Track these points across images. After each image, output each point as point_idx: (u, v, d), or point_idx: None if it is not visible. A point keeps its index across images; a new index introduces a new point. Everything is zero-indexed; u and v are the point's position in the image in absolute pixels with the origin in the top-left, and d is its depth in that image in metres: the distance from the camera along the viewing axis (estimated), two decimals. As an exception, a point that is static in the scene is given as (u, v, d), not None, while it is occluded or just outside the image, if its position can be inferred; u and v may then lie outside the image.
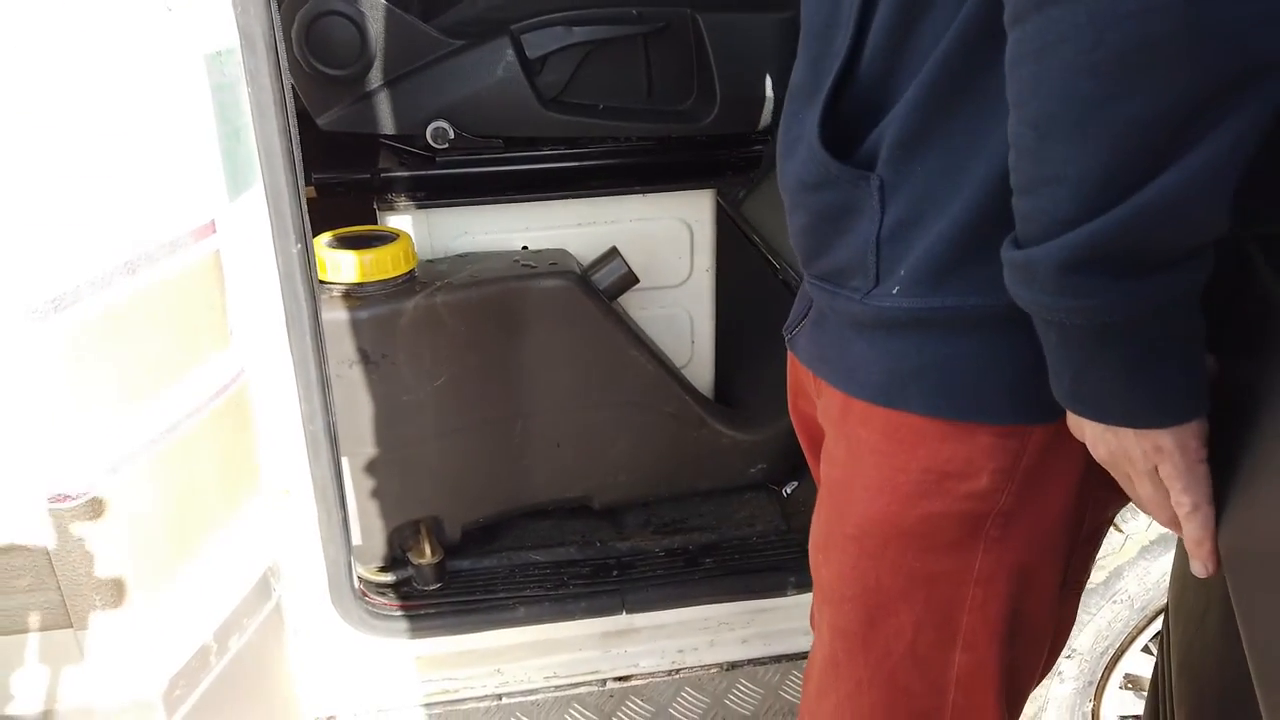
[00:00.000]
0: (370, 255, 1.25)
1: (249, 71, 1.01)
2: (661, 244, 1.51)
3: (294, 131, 1.07)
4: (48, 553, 0.86)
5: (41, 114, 0.76)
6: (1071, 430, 0.65)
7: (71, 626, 0.89)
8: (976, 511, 0.72)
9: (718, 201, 1.52)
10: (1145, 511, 0.65)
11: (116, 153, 0.84)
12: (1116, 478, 0.65)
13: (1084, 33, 0.49)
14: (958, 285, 0.66)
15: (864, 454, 0.76)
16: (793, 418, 0.98)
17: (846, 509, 0.79)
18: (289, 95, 1.06)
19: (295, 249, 1.09)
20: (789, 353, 0.89)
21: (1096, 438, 0.63)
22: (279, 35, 1.02)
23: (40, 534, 0.85)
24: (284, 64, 1.04)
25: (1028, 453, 0.70)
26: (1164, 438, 0.60)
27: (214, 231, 0.96)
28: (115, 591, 0.90)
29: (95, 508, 0.85)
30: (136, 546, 0.90)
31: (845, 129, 0.71)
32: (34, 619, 0.88)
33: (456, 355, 1.32)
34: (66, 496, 0.83)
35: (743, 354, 1.70)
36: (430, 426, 1.34)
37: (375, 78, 1.33)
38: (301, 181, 1.09)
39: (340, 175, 1.37)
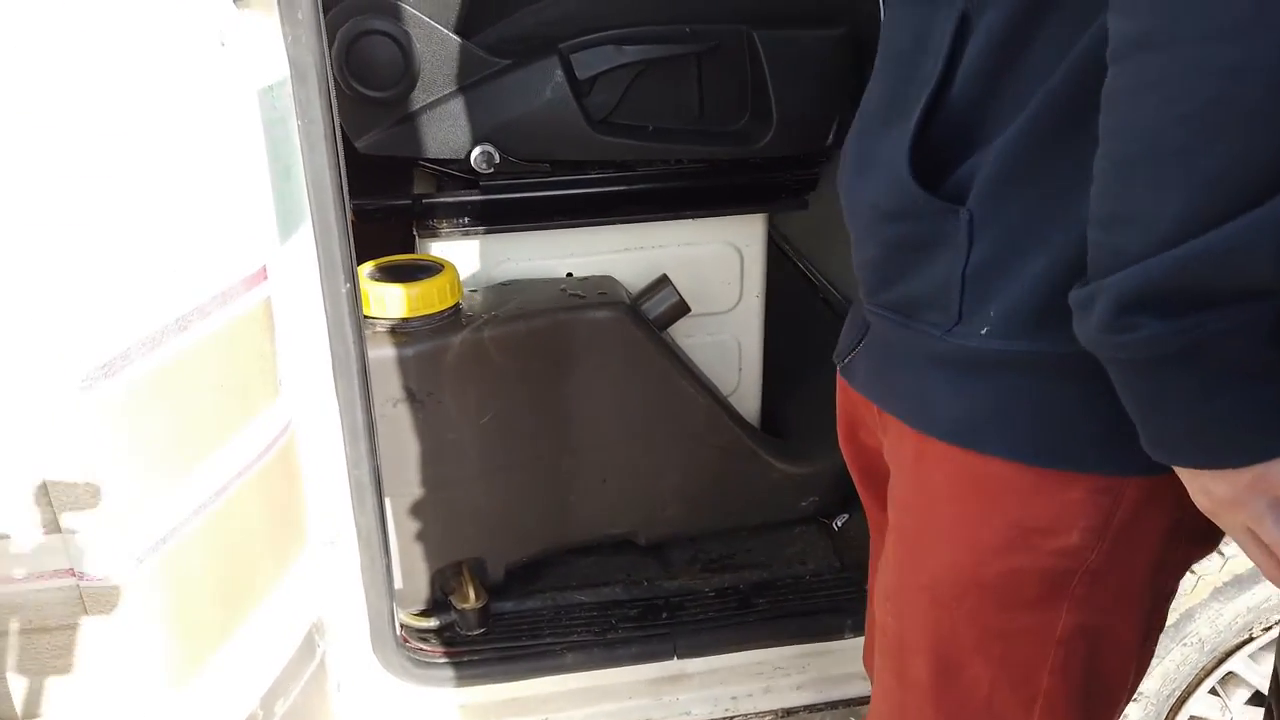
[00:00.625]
0: (417, 289, 1.19)
1: (299, 104, 0.94)
2: (710, 270, 1.45)
3: (343, 165, 1.01)
4: (90, 629, 0.80)
5: (95, 168, 0.70)
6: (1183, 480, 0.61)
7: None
8: (1063, 569, 0.68)
9: (768, 225, 1.46)
10: (1261, 569, 0.61)
11: (169, 201, 0.77)
12: (1228, 531, 0.61)
13: (1175, 83, 0.50)
14: (1056, 329, 0.61)
15: (941, 502, 0.72)
16: (845, 449, 0.93)
17: (920, 558, 0.76)
18: (338, 126, 1.00)
19: (344, 289, 1.03)
20: (840, 381, 0.86)
21: (1196, 487, 0.59)
22: (329, 65, 0.96)
23: (81, 611, 0.79)
24: (333, 94, 0.98)
25: (1121, 509, 0.66)
26: (1253, 476, 0.56)
27: (265, 278, 0.90)
28: (159, 668, 0.84)
29: (141, 585, 0.79)
30: (184, 622, 0.84)
31: (933, 158, 0.67)
32: (74, 698, 0.82)
33: (503, 391, 1.26)
34: (108, 576, 0.77)
35: (789, 381, 1.64)
36: (475, 465, 1.28)
37: (418, 99, 1.26)
38: (349, 216, 1.03)
39: (380, 201, 1.30)
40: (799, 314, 1.79)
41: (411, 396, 1.21)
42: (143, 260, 0.75)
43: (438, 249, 1.34)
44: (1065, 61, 0.60)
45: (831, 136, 1.38)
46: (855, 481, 0.94)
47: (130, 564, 0.78)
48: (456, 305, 1.24)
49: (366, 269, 1.23)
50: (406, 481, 1.25)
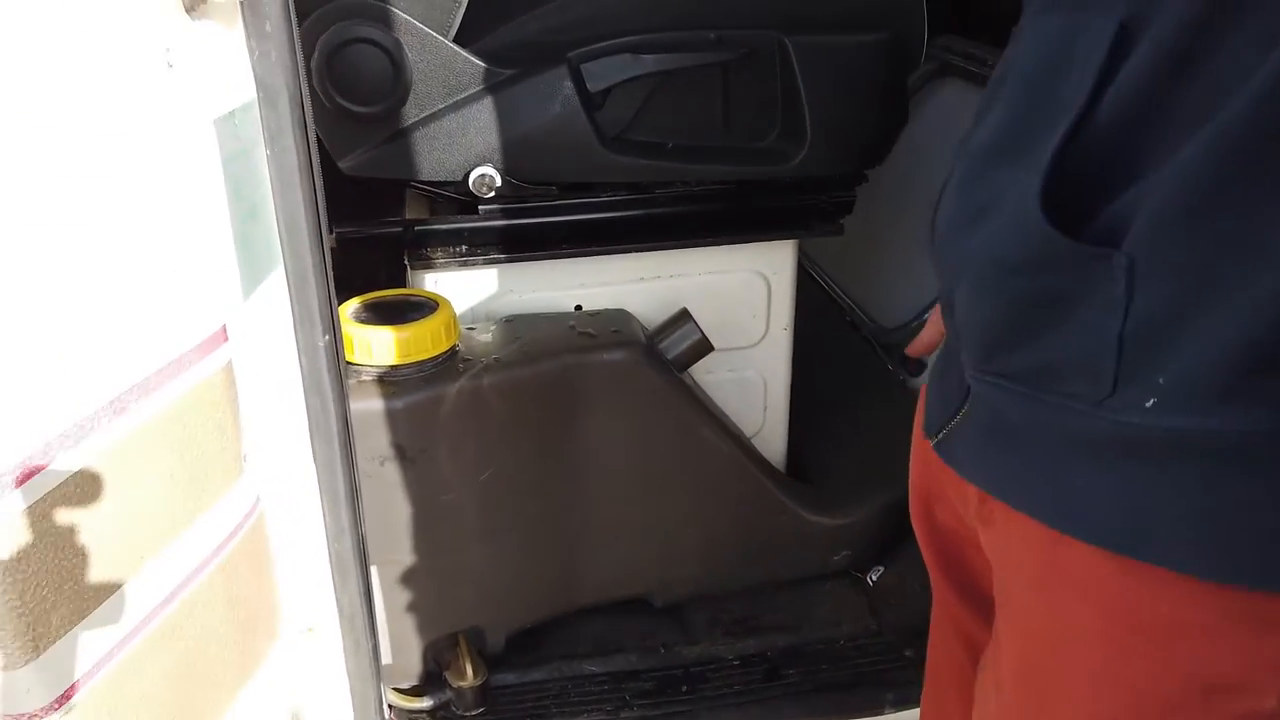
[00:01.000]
0: (408, 332, 1.05)
1: (269, 132, 0.80)
2: (735, 301, 1.31)
3: (321, 200, 0.86)
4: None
5: (16, 224, 0.56)
6: None
7: None
8: None
9: (799, 252, 1.32)
10: None
11: (98, 261, 0.63)
12: None
13: None
14: (1254, 402, 0.49)
15: (1084, 635, 0.59)
16: (918, 525, 0.83)
17: (1049, 702, 0.62)
18: (315, 154, 0.86)
19: (323, 341, 0.88)
20: (917, 449, 0.77)
21: None
22: (304, 85, 0.81)
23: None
24: (310, 118, 0.84)
25: None
26: None
27: (225, 339, 0.75)
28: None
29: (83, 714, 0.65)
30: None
31: (1071, 197, 0.54)
32: None
33: (505, 444, 1.12)
34: (39, 712, 0.63)
35: (817, 418, 1.50)
36: (473, 527, 1.14)
37: (409, 115, 1.12)
38: (329, 259, 0.89)
39: (366, 228, 1.16)
40: (825, 341, 1.65)
41: (402, 454, 1.06)
42: (63, 335, 0.61)
43: (432, 281, 1.20)
44: (1262, 73, 0.48)
45: (871, 154, 1.24)
46: (927, 559, 0.84)
47: (53, 702, 0.64)
48: (453, 349, 1.10)
49: (351, 308, 1.09)
50: (396, 548, 1.11)
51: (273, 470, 0.89)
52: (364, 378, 1.06)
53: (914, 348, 1.17)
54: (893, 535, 1.41)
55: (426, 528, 1.11)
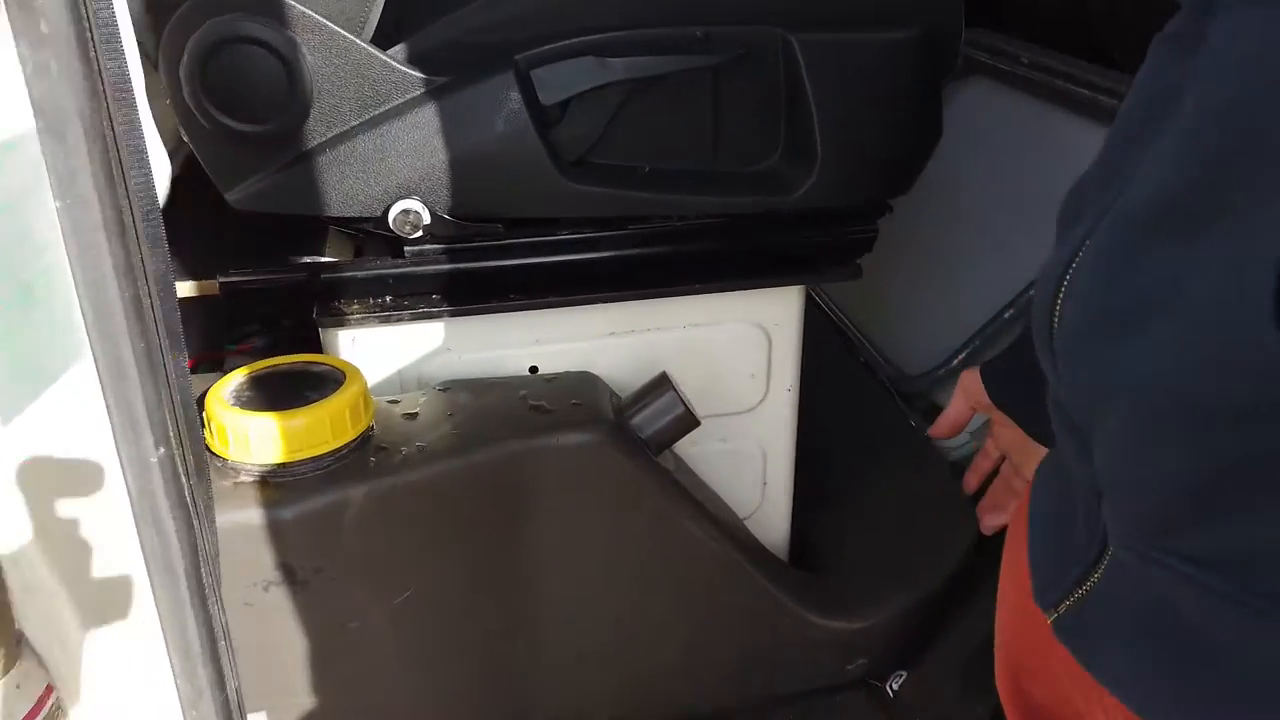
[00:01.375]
0: (301, 420, 0.81)
1: (56, 175, 0.56)
2: (727, 359, 1.06)
3: (154, 259, 0.63)
4: None
5: None
6: None
7: None
8: None
9: (807, 296, 1.08)
10: None
11: None
12: None
13: None
14: None
15: None
16: (1003, 687, 0.69)
17: None
18: (137, 191, 0.61)
19: (156, 456, 0.65)
20: (1019, 612, 0.62)
21: None
22: (109, 104, 0.57)
23: None
24: (125, 148, 0.59)
25: None
26: None
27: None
28: None
29: None
30: None
31: None
32: None
33: (431, 557, 0.88)
34: None
35: (827, 490, 1.26)
36: (390, 658, 0.91)
37: (312, 134, 0.88)
38: (166, 342, 0.65)
39: (259, 275, 0.92)
40: (835, 389, 1.41)
41: (291, 576, 0.83)
42: None
43: (349, 341, 0.96)
44: None
45: (896, 179, 0.99)
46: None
47: None
48: (364, 435, 0.86)
49: (229, 385, 0.85)
50: (291, 688, 0.88)
51: (85, 641, 0.65)
52: (243, 478, 0.82)
53: (938, 428, 0.94)
54: (918, 635, 1.17)
55: (328, 664, 0.87)
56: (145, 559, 0.67)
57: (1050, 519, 0.55)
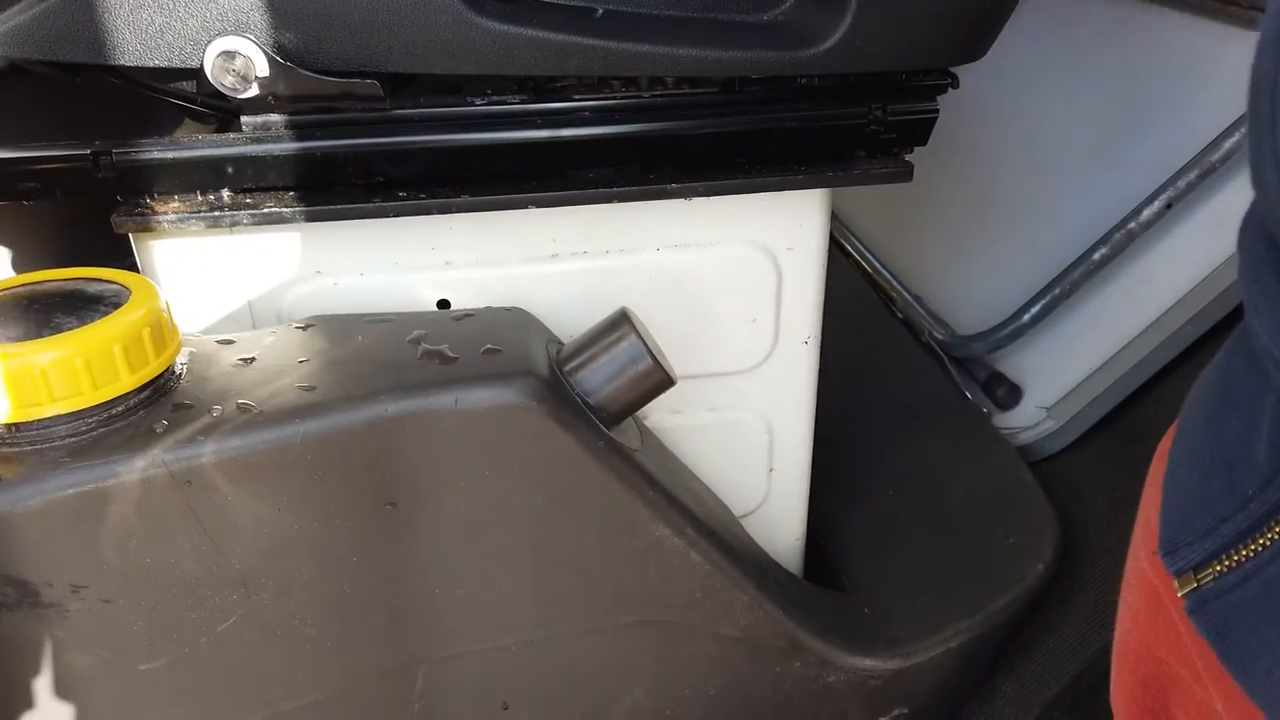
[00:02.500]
0: (48, 356, 0.52)
1: None
2: (719, 295, 0.76)
3: None
4: None
5: None
6: None
7: None
8: None
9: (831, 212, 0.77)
10: None
11: None
12: None
13: None
14: None
15: None
16: (1122, 693, 0.50)
17: None
18: None
19: None
20: (1154, 586, 0.44)
21: None
22: None
23: None
24: None
25: None
26: None
27: None
28: None
29: None
30: None
31: None
32: None
33: (268, 563, 0.59)
34: None
35: (855, 481, 0.96)
36: (216, 714, 0.62)
37: (84, -65, 0.59)
38: None
39: (24, 151, 0.63)
40: (867, 353, 1.10)
41: (31, 597, 0.54)
42: None
43: (166, 257, 0.67)
44: None
45: (966, 33, 0.68)
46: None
47: None
48: (157, 386, 0.57)
49: (-50, 305, 0.56)
50: (47, 763, 0.59)
51: None
52: (-50, 447, 0.53)
53: None
54: (976, 679, 0.87)
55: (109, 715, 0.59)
56: None
57: (1205, 442, 0.40)
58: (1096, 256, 0.99)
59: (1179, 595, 0.39)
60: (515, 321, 0.70)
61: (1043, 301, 1.01)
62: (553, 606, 0.69)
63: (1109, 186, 1.01)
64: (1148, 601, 0.46)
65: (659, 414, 0.80)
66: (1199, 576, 0.38)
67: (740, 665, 0.76)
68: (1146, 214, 0.96)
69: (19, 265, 0.81)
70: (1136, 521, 0.49)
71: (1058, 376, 1.00)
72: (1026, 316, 1.02)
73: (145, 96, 0.68)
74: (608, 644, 0.72)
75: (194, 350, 0.62)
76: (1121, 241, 0.98)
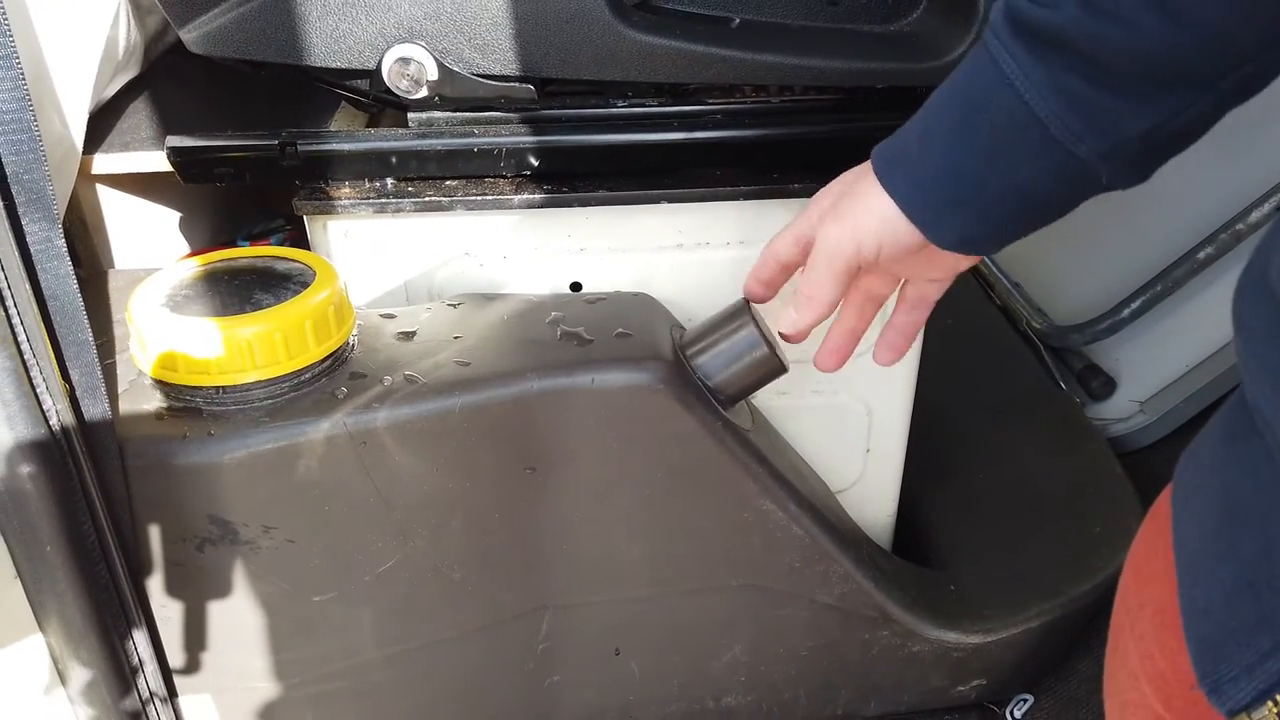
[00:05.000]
0: (252, 328, 0.60)
1: None
2: (830, 287, 0.81)
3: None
4: None
5: None
6: None
7: None
8: None
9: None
10: None
11: None
12: None
13: None
14: None
15: None
16: None
17: None
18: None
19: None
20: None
21: None
22: None
23: None
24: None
25: None
26: None
27: None
28: None
29: None
30: None
31: None
32: None
33: (416, 522, 0.67)
34: None
35: (946, 465, 1.01)
36: (368, 642, 0.71)
37: (282, -49, 0.66)
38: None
39: (220, 140, 0.71)
40: (963, 342, 1.14)
41: (231, 535, 0.63)
42: None
43: (340, 234, 0.75)
44: None
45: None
46: None
47: None
48: (337, 357, 0.65)
49: (159, 284, 0.65)
50: (237, 671, 0.69)
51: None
52: (171, 403, 0.62)
53: (754, 282, 0.64)
54: (1054, 654, 0.92)
55: (288, 642, 0.68)
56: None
57: (1220, 560, 0.38)
58: (1201, 255, 1.01)
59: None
60: (642, 306, 0.76)
61: (1144, 297, 1.03)
62: (666, 567, 0.76)
63: (1218, 186, 1.02)
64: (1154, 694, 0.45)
65: (766, 394, 0.85)
66: (1253, 716, 0.36)
67: (832, 631, 0.82)
68: (1255, 216, 0.97)
69: (185, 232, 0.90)
70: (1129, 600, 0.48)
71: (1153, 371, 1.03)
72: (1126, 311, 1.04)
73: (314, 91, 0.75)
74: (712, 603, 0.79)
75: (362, 324, 0.70)
76: (1228, 242, 0.99)
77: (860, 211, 0.52)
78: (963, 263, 0.55)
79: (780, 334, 0.62)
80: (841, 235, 0.53)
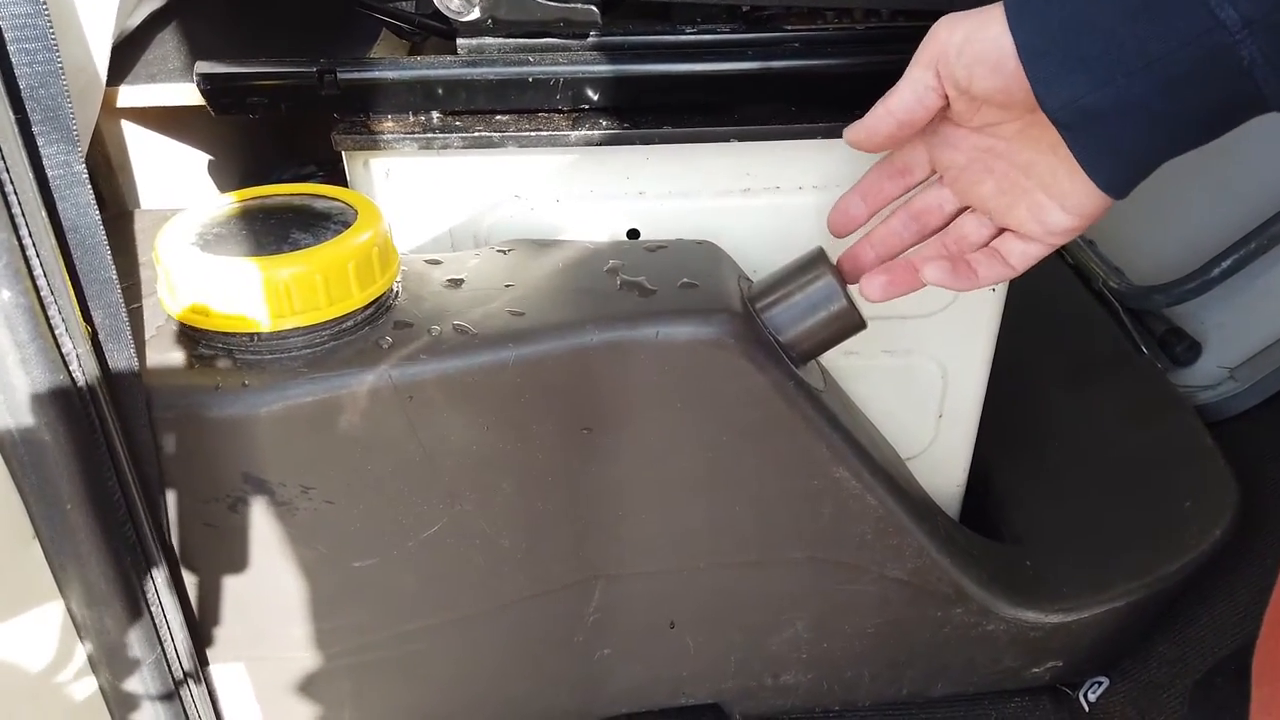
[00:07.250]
0: (289, 270, 0.55)
1: None
2: (909, 237, 0.75)
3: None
4: None
5: None
6: None
7: None
8: None
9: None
10: None
11: None
12: None
13: None
14: None
15: None
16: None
17: None
18: None
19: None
20: None
21: None
22: None
23: None
24: None
25: None
26: None
27: None
28: None
29: None
30: None
31: None
32: None
33: (464, 482, 0.62)
34: None
35: (1020, 434, 0.95)
36: (411, 611, 0.66)
37: None
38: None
39: (253, 68, 0.65)
40: (1040, 303, 1.07)
41: (267, 494, 0.58)
42: None
43: (382, 172, 0.69)
44: None
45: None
46: None
47: None
48: (381, 304, 0.60)
49: (189, 222, 0.60)
50: (270, 639, 0.64)
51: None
52: (201, 350, 0.57)
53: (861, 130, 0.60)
54: (1134, 637, 0.86)
55: (327, 609, 0.64)
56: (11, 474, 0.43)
57: None
58: (1302, 211, 0.93)
59: None
60: (707, 255, 0.70)
61: (1235, 255, 0.96)
62: (727, 536, 0.71)
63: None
64: None
65: (833, 352, 0.79)
66: None
67: (902, 608, 0.76)
68: (1367, 168, 0.89)
69: (214, 176, 0.85)
70: None
71: (1244, 336, 0.96)
72: (1216, 270, 0.97)
73: (353, 20, 0.69)
74: (775, 576, 0.74)
75: (406, 269, 0.65)
76: (1331, 198, 0.92)
77: (974, 32, 0.49)
78: (1053, 194, 0.52)
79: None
80: (951, 35, 0.50)
